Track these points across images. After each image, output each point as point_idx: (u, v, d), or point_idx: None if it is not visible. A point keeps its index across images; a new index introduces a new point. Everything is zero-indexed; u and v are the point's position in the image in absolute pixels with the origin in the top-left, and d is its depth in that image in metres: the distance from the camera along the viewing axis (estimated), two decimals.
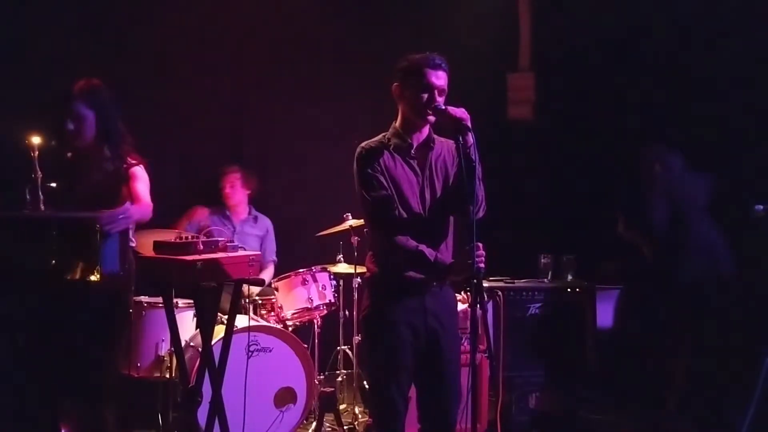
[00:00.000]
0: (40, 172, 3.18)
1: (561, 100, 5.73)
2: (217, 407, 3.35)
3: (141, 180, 3.35)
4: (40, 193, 3.17)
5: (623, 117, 4.77)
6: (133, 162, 3.37)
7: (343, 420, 4.53)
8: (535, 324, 4.76)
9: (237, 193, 5.20)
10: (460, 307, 3.51)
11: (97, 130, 3.31)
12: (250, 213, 5.27)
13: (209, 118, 5.54)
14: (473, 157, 2.82)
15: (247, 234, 5.18)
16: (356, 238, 4.73)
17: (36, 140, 3.18)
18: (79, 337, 3.17)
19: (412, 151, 2.97)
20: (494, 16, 5.85)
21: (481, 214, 2.94)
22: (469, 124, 2.83)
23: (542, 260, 4.92)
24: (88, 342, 3.18)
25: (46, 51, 4.75)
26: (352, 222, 4.71)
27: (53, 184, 3.22)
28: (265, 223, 5.32)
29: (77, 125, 3.28)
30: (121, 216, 3.05)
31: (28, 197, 3.17)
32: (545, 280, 4.89)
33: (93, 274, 2.97)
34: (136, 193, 3.29)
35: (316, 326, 4.73)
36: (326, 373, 5.07)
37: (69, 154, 3.35)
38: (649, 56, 5.28)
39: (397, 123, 3.01)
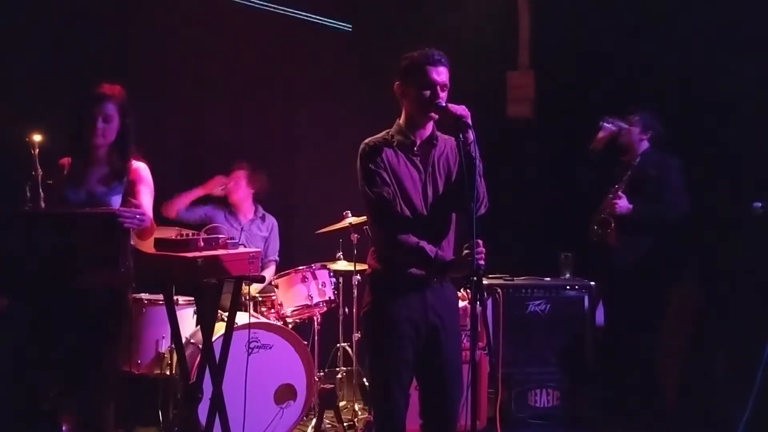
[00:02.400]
0: (40, 170, 3.18)
1: (560, 98, 5.74)
2: (218, 404, 3.36)
3: (146, 184, 3.36)
4: (41, 190, 3.18)
5: (622, 115, 4.78)
6: (137, 161, 3.38)
7: (342, 417, 4.54)
8: (534, 321, 4.78)
9: (240, 190, 5.09)
10: (460, 304, 3.52)
11: (117, 134, 3.33)
12: (257, 212, 5.19)
13: (209, 117, 5.55)
14: (474, 154, 2.83)
15: (255, 234, 5.12)
16: (356, 235, 4.74)
17: (36, 138, 3.19)
18: (79, 335, 3.17)
19: (415, 148, 2.98)
20: (494, 15, 5.86)
21: (483, 210, 2.95)
22: (470, 122, 2.84)
23: (562, 257, 4.97)
24: (89, 339, 3.18)
25: (46, 50, 4.75)
26: (351, 219, 4.72)
27: (51, 182, 3.23)
28: (271, 222, 5.26)
29: (105, 126, 3.29)
30: (138, 216, 3.07)
31: (28, 194, 3.18)
32: (546, 278, 4.92)
33: (115, 270, 2.99)
34: (140, 206, 3.29)
35: (315, 323, 4.74)
36: (326, 370, 5.09)
37: (77, 158, 3.35)
38: (648, 54, 5.28)
39: (401, 120, 3.02)
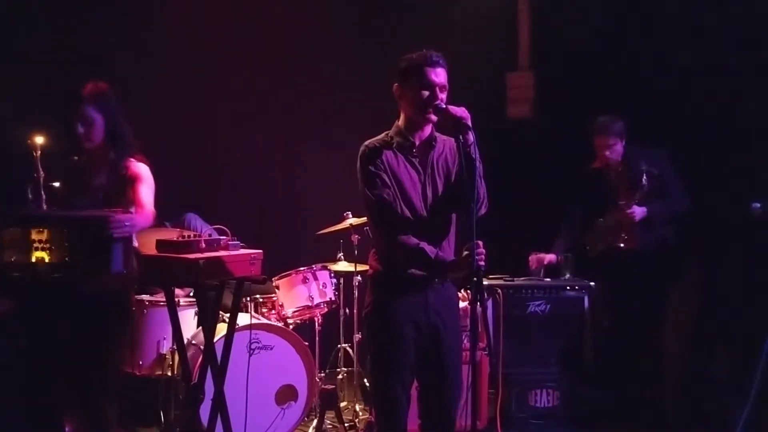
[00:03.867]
0: (42, 172, 3.20)
1: (560, 99, 5.75)
2: (220, 405, 3.37)
3: (145, 182, 3.37)
4: (42, 192, 3.19)
5: (621, 115, 4.79)
6: (138, 161, 3.39)
7: (343, 417, 4.56)
8: (534, 322, 4.79)
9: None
10: (461, 304, 3.53)
11: (106, 133, 3.33)
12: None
13: (210, 118, 5.56)
14: (474, 156, 2.84)
15: None
16: (356, 236, 4.75)
17: (39, 140, 3.20)
18: (81, 336, 3.19)
19: (414, 150, 2.99)
20: (494, 16, 5.87)
21: (483, 211, 2.96)
22: (470, 123, 2.85)
23: (562, 257, 4.95)
24: (91, 340, 3.20)
25: (47, 50, 4.76)
26: (352, 220, 4.73)
27: (56, 184, 3.24)
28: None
29: (87, 129, 3.29)
30: (126, 223, 3.08)
31: (30, 196, 3.19)
32: (547, 278, 4.92)
33: (104, 273, 3.00)
34: (138, 198, 3.30)
35: (316, 324, 4.75)
36: (327, 370, 5.10)
37: (75, 158, 3.36)
38: (647, 54, 5.29)
39: (400, 122, 3.04)
